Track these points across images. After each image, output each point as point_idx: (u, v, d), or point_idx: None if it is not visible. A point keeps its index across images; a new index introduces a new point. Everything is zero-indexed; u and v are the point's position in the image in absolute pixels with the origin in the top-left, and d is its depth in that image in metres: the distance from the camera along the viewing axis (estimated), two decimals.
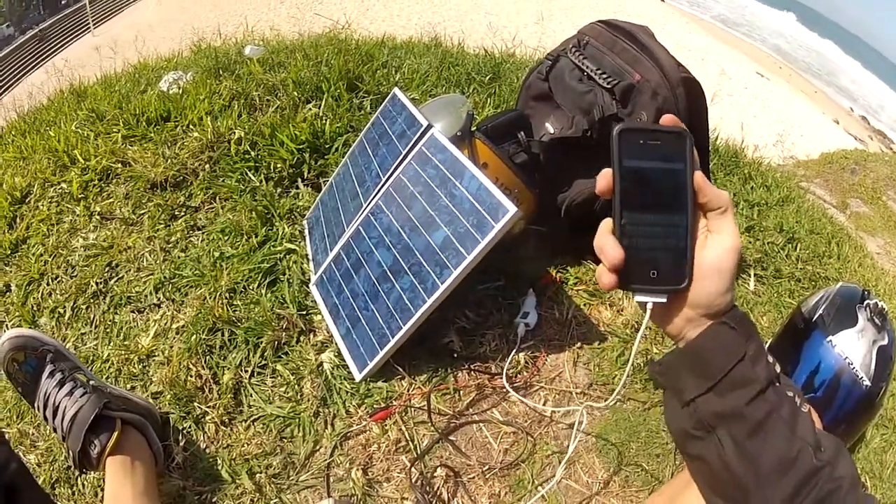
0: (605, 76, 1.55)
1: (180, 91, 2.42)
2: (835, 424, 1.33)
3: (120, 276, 1.75)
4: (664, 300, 0.65)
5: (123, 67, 3.28)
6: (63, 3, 25.45)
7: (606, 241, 0.64)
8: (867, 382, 1.30)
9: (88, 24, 22.91)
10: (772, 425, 0.63)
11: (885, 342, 1.33)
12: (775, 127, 12.61)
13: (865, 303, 1.37)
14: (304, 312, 1.58)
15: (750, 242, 2.14)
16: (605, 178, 0.64)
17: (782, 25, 39.15)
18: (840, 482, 0.63)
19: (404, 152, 1.47)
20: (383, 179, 1.51)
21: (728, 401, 0.64)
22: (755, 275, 2.02)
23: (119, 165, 2.05)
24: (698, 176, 0.64)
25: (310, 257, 1.71)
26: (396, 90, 1.63)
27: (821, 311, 1.39)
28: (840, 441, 0.68)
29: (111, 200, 1.97)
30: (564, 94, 1.67)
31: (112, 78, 3.02)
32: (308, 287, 1.64)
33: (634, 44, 1.59)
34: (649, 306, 0.66)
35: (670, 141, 0.63)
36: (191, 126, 2.16)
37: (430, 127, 1.44)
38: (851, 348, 1.31)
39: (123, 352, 1.54)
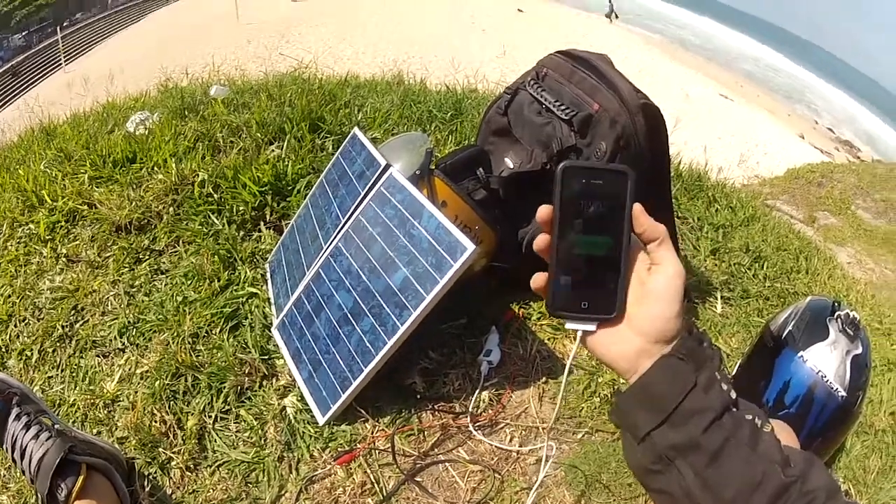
0: (563, 108, 1.56)
1: (146, 132, 2.42)
2: (812, 438, 1.34)
3: (85, 319, 1.73)
4: (593, 328, 0.67)
5: (92, 106, 3.28)
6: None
7: (538, 276, 0.68)
8: (843, 393, 1.30)
9: (60, 60, 22.90)
10: (731, 451, 0.62)
11: (860, 350, 1.34)
12: (740, 147, 12.79)
13: (836, 314, 1.38)
14: (267, 357, 1.57)
15: (716, 265, 2.16)
16: (545, 210, 0.66)
17: (745, 46, 40.17)
18: (814, 494, 0.62)
19: (363, 193, 1.47)
20: (343, 221, 1.50)
21: (683, 432, 0.63)
22: (722, 297, 2.03)
23: (85, 207, 2.04)
24: (636, 208, 0.65)
25: (272, 301, 1.69)
26: (356, 130, 1.63)
27: (790, 328, 1.40)
28: (811, 454, 0.68)
29: (77, 243, 1.96)
30: (523, 128, 1.68)
31: (81, 117, 3.02)
32: (270, 331, 1.62)
33: (593, 73, 1.60)
34: (579, 334, 0.68)
35: (612, 180, 0.65)
36: (156, 168, 2.16)
37: (388, 166, 1.44)
38: (824, 361, 1.32)
39: (89, 396, 1.52)
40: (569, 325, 0.68)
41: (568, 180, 0.64)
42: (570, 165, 0.64)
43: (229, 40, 21.20)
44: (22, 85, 21.26)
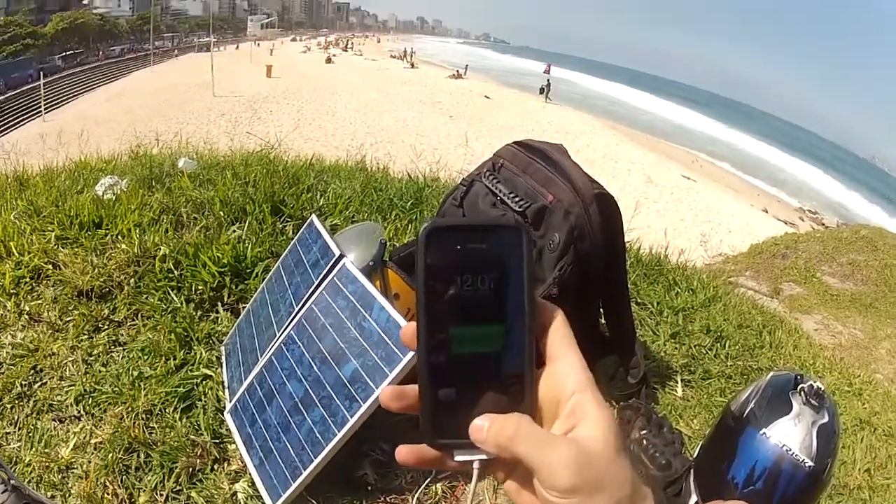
0: (517, 199, 1.59)
1: (114, 198, 2.42)
2: None
3: (44, 381, 1.72)
4: (494, 454, 0.48)
5: (66, 161, 3.31)
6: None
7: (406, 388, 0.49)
8: (810, 463, 1.29)
9: (41, 107, 23.08)
10: None
11: (826, 419, 1.32)
12: (703, 227, 13.04)
13: (800, 387, 1.37)
14: (219, 441, 1.55)
15: (676, 349, 2.17)
16: (409, 329, 0.48)
17: (707, 127, 41.88)
18: None
19: (317, 282, 1.47)
20: (296, 309, 1.50)
21: None
22: (683, 380, 2.04)
23: (50, 267, 2.04)
24: (557, 324, 0.49)
25: (226, 384, 1.68)
26: (314, 217, 1.64)
27: (752, 406, 1.39)
28: None
29: (40, 302, 1.95)
30: None
31: (54, 171, 3.03)
32: (223, 415, 1.61)
33: (548, 164, 1.64)
34: (475, 466, 0.48)
35: (499, 241, 0.48)
36: (120, 236, 2.17)
37: (342, 257, 1.44)
38: (788, 435, 1.31)
39: (44, 459, 1.50)
40: (458, 457, 0.48)
41: (436, 249, 0.47)
42: (437, 227, 0.47)
43: (204, 110, 21.62)
44: (2, 126, 21.30)
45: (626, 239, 1.83)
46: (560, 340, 0.49)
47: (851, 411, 2.19)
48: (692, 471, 1.51)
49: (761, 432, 1.33)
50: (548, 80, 35.14)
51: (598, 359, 1.86)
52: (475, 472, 0.48)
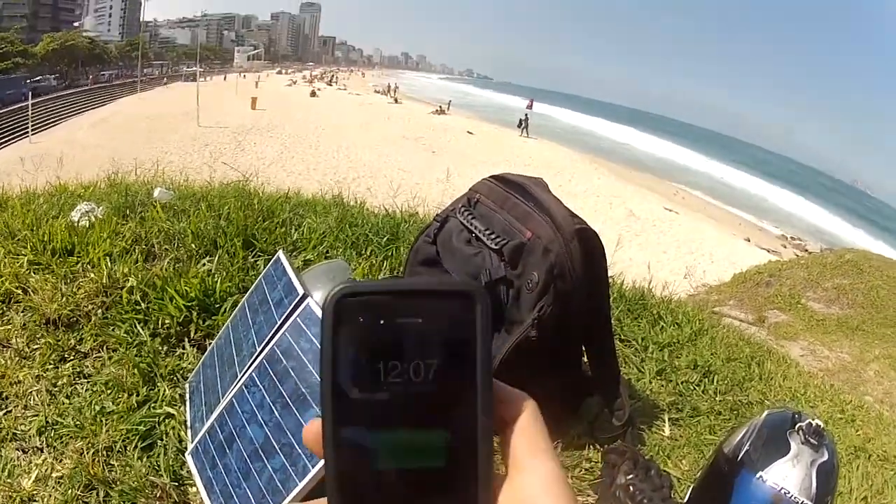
0: (493, 236, 1.52)
1: (88, 225, 2.40)
2: None
3: (9, 409, 1.68)
4: None
5: (45, 186, 3.29)
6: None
7: None
8: None
9: (28, 129, 23.11)
10: None
11: (825, 458, 1.27)
12: (686, 259, 13.14)
13: (797, 426, 1.31)
14: (179, 482, 1.50)
15: (662, 386, 2.10)
16: (312, 430, 0.37)
17: (687, 159, 42.57)
18: None
19: (279, 322, 1.40)
20: (258, 350, 1.43)
21: None
22: (670, 418, 1.97)
23: (20, 292, 2.01)
24: (525, 420, 0.38)
25: (188, 423, 1.61)
26: (280, 253, 1.57)
27: (746, 448, 1.33)
28: None
29: (9, 327, 1.92)
30: (452, 258, 1.63)
31: (33, 195, 3.01)
32: (185, 456, 1.54)
33: (526, 198, 1.57)
34: None
35: (443, 314, 0.35)
36: (90, 265, 2.14)
37: (305, 296, 1.37)
38: (786, 478, 1.26)
39: (7, 489, 1.45)
40: None
41: (350, 324, 0.34)
42: (350, 291, 0.35)
43: (188, 140, 21.72)
44: None
45: (609, 274, 1.78)
46: (528, 443, 0.37)
47: (845, 439, 2.15)
48: None
49: (757, 475, 1.28)
50: (525, 115, 35.79)
51: (580, 400, 1.78)
52: None
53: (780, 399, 2.30)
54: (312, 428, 0.36)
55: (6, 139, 22.69)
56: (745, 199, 32.40)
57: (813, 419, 1.33)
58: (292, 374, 1.31)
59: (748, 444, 1.34)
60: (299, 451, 1.24)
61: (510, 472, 0.37)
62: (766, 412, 1.42)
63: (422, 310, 0.35)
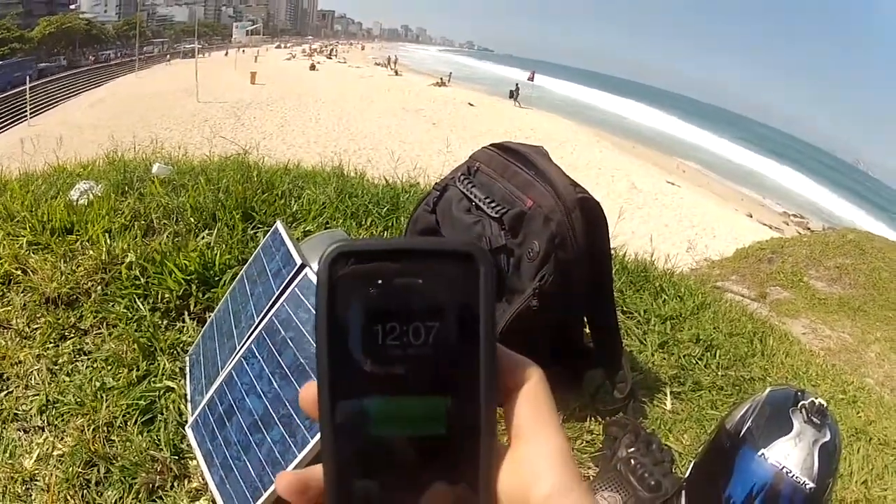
0: (493, 205, 1.49)
1: (87, 203, 2.39)
2: None
3: (10, 390, 1.68)
4: None
5: (44, 166, 3.28)
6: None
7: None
8: (811, 485, 1.22)
9: (26, 111, 23.02)
10: None
11: (828, 438, 1.26)
12: (688, 233, 13.02)
13: (800, 404, 1.30)
14: (179, 456, 1.50)
15: (664, 359, 2.09)
16: (308, 394, 0.35)
17: (690, 134, 42.23)
18: None
19: (277, 292, 1.39)
20: (257, 321, 1.42)
21: None
22: (672, 392, 1.96)
23: (20, 273, 2.00)
24: (531, 388, 0.36)
25: (188, 397, 1.61)
26: (278, 223, 1.55)
27: (749, 424, 1.32)
28: None
29: (10, 308, 1.91)
30: (452, 227, 1.60)
31: (31, 176, 3.00)
32: (185, 429, 1.54)
33: (527, 167, 1.54)
34: None
35: (444, 275, 0.33)
36: (89, 242, 2.13)
37: (303, 266, 1.34)
38: (787, 456, 1.24)
39: (9, 470, 1.46)
40: None
41: (346, 284, 0.33)
42: (346, 251, 0.33)
43: (187, 116, 21.56)
44: None
45: (611, 245, 1.75)
46: (533, 412, 0.35)
47: (847, 421, 2.14)
48: (684, 492, 1.43)
49: (759, 453, 1.26)
50: (516, 84, 35.61)
51: (582, 373, 1.77)
52: None
53: (783, 377, 2.29)
54: (309, 392, 0.35)
55: (4, 124, 22.57)
56: (747, 175, 32.20)
57: (816, 398, 1.31)
58: (291, 344, 1.30)
59: (750, 420, 1.33)
60: (298, 421, 1.23)
61: (513, 442, 0.35)
62: (768, 389, 1.41)
63: (422, 270, 0.33)
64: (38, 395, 1.65)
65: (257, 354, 1.37)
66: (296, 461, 1.22)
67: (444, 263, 0.34)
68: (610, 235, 1.64)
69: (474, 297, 0.33)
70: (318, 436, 1.11)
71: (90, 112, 23.72)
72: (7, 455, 1.51)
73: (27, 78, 25.41)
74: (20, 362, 1.74)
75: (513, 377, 0.36)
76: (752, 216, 20.77)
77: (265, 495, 1.25)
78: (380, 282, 0.33)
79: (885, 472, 1.92)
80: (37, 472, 1.47)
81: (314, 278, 1.32)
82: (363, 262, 0.33)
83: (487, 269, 0.33)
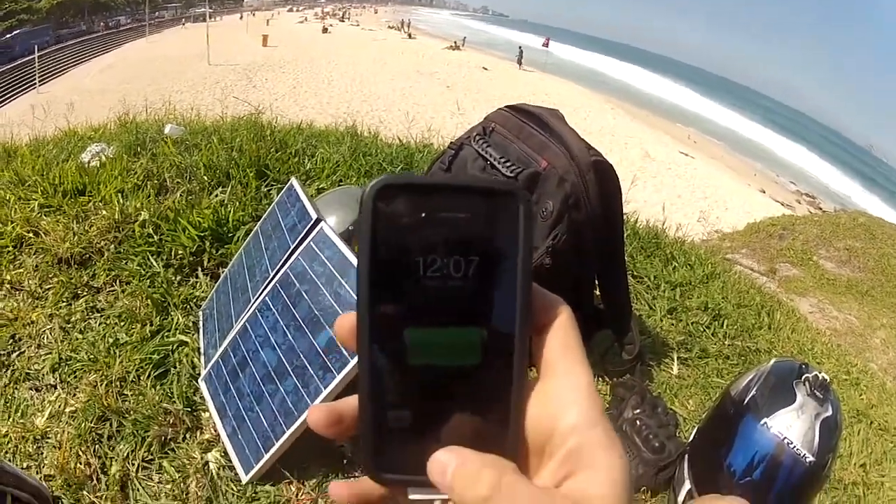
0: (508, 164, 1.49)
1: (99, 165, 2.38)
2: (779, 502, 1.27)
3: (22, 350, 1.70)
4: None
5: (55, 131, 3.27)
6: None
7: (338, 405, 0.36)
8: (811, 458, 1.24)
9: (35, 80, 22.81)
10: None
11: (829, 413, 1.28)
12: (700, 204, 12.91)
13: (804, 377, 1.32)
14: (192, 409, 1.52)
15: (672, 325, 2.10)
16: (346, 322, 0.35)
17: (705, 108, 41.55)
18: None
19: (293, 246, 1.40)
20: (272, 274, 1.43)
21: None
22: (679, 358, 1.98)
23: (32, 235, 2.01)
24: (560, 324, 0.36)
25: (201, 351, 1.63)
26: (293, 180, 1.56)
27: (753, 393, 1.34)
28: None
29: (21, 270, 1.93)
30: None
31: (42, 142, 3.00)
32: (197, 382, 1.56)
33: (542, 128, 1.54)
34: None
35: (485, 211, 0.34)
36: (102, 202, 2.13)
37: (318, 220, 1.36)
38: (789, 427, 1.26)
39: (20, 429, 1.48)
40: (413, 496, 0.34)
41: (390, 215, 0.33)
42: (392, 184, 0.34)
43: (198, 79, 21.38)
44: None
45: (624, 211, 1.75)
46: (562, 348, 0.35)
47: (849, 402, 2.15)
48: (686, 456, 1.45)
49: (762, 422, 1.28)
50: (520, 48, 35.46)
51: (592, 333, 1.79)
52: None
53: (788, 351, 2.30)
54: (346, 320, 0.35)
55: (13, 92, 22.45)
56: (761, 151, 31.70)
57: (819, 372, 1.32)
58: (305, 297, 1.31)
59: (755, 389, 1.34)
60: (311, 372, 1.25)
61: (542, 375, 0.35)
62: (773, 360, 1.42)
63: (464, 206, 0.34)
64: (50, 353, 1.66)
65: (272, 307, 1.38)
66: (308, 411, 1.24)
67: (486, 201, 0.34)
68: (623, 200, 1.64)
69: (513, 234, 0.34)
70: (331, 385, 1.14)
71: (100, 77, 23.55)
72: (19, 415, 1.52)
73: (35, 47, 25.22)
74: (32, 322, 1.75)
75: (545, 313, 0.36)
76: (764, 192, 20.55)
77: (277, 445, 1.28)
78: (423, 215, 0.33)
79: (884, 458, 1.94)
80: (48, 429, 1.48)
81: (329, 232, 1.33)
82: (409, 194, 0.34)
83: (527, 208, 0.34)
